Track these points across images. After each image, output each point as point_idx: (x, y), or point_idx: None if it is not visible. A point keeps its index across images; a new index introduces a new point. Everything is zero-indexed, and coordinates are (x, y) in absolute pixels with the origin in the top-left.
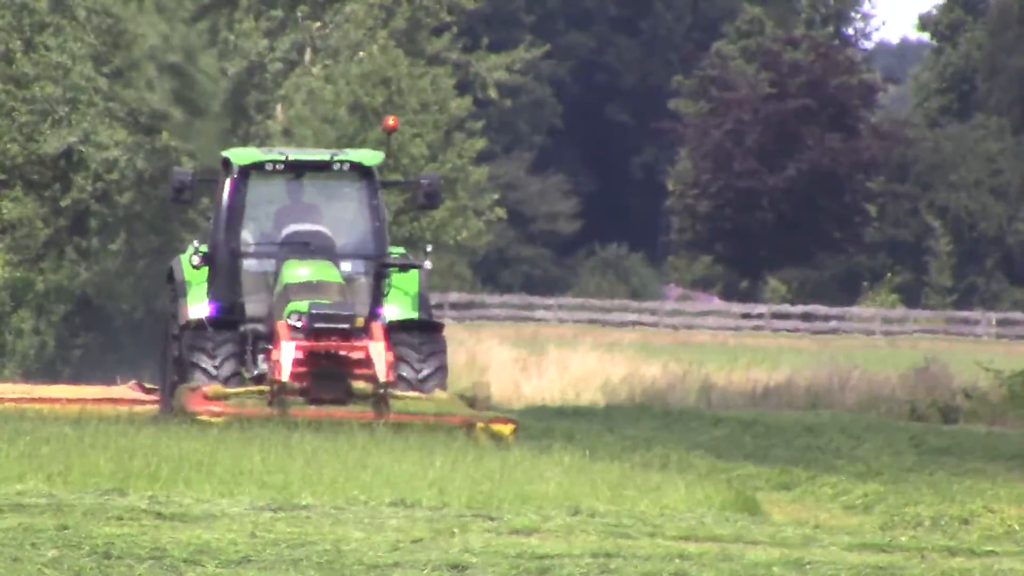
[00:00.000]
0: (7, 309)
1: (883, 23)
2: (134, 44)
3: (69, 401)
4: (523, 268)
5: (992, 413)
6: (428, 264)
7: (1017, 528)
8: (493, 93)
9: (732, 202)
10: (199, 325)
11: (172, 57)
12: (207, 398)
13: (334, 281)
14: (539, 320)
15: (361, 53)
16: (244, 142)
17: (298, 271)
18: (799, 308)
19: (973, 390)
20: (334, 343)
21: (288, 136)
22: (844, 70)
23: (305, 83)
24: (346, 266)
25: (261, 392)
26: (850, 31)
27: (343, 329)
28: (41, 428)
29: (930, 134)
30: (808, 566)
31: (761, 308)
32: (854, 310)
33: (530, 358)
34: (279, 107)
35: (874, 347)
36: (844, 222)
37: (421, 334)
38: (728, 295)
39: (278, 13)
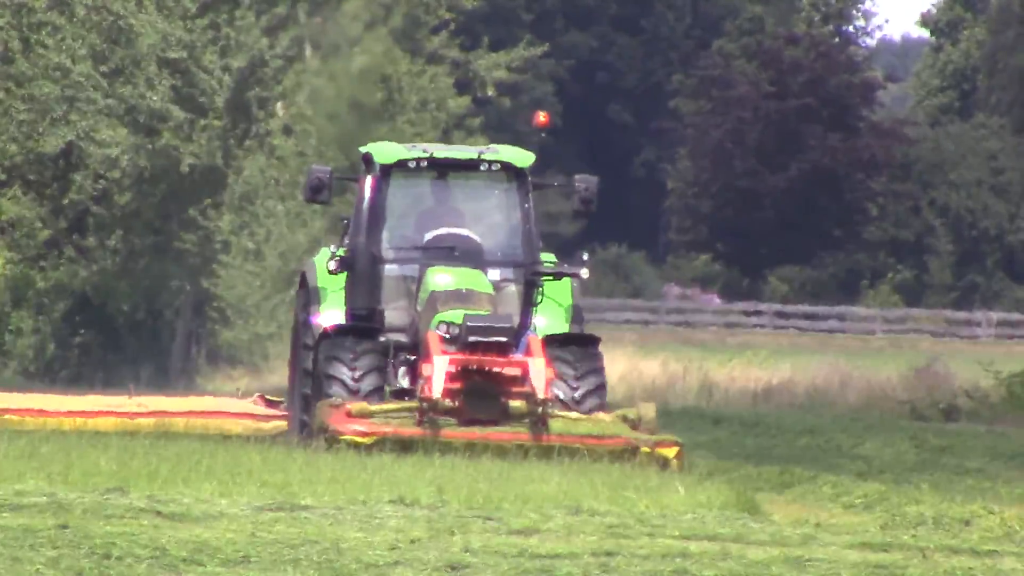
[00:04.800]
0: (7, 308)
1: (885, 21)
2: (134, 42)
3: (193, 415)
4: None
5: (992, 413)
6: (585, 272)
7: (1018, 528)
8: (491, 92)
9: (732, 201)
10: (336, 334)
11: (172, 54)
12: (350, 416)
13: (484, 291)
14: None
15: (355, 48)
16: (243, 140)
17: (444, 278)
18: (800, 307)
19: (974, 390)
20: (490, 358)
21: (289, 134)
22: (845, 69)
23: (305, 80)
24: (494, 273)
25: (409, 410)
26: (851, 29)
27: (500, 343)
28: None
29: (931, 133)
30: (808, 565)
31: (762, 307)
32: (855, 309)
33: None
34: (279, 104)
35: (875, 346)
36: (844, 221)
37: (576, 349)
38: (728, 294)
39: (280, 11)
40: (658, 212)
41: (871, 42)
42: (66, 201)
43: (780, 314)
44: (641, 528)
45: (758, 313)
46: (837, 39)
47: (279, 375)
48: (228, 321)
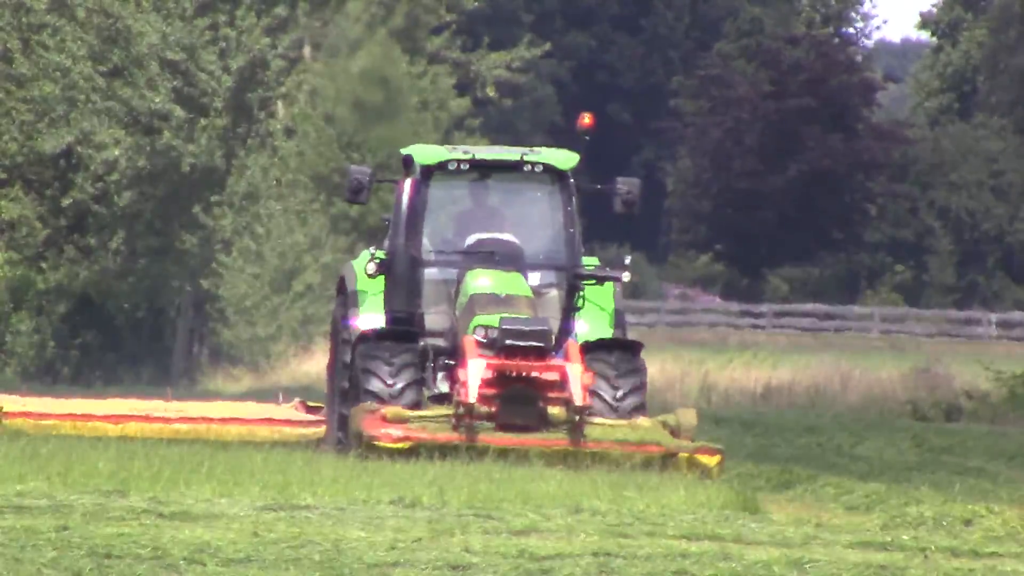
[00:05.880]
0: (7, 309)
1: (884, 22)
2: (134, 43)
3: (227, 421)
4: None
5: (993, 413)
6: (627, 276)
7: (1020, 529)
8: (492, 92)
9: (732, 201)
10: (373, 337)
11: (172, 55)
12: (385, 420)
13: (523, 295)
14: None
15: (356, 49)
16: (244, 140)
17: (484, 282)
18: (800, 307)
19: (974, 390)
20: (527, 363)
21: (289, 135)
22: (844, 69)
23: (307, 80)
24: (535, 277)
25: (445, 415)
26: (851, 30)
27: (537, 347)
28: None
29: (930, 134)
30: (809, 565)
31: (762, 307)
32: (855, 309)
33: None
34: (279, 104)
35: (875, 346)
36: (844, 221)
37: (618, 354)
38: (729, 294)
39: (280, 11)
40: (658, 212)
41: (869, 43)
42: (66, 201)
43: (780, 314)
44: (641, 528)
45: (758, 314)
46: (837, 40)
47: (280, 375)
48: (229, 321)
